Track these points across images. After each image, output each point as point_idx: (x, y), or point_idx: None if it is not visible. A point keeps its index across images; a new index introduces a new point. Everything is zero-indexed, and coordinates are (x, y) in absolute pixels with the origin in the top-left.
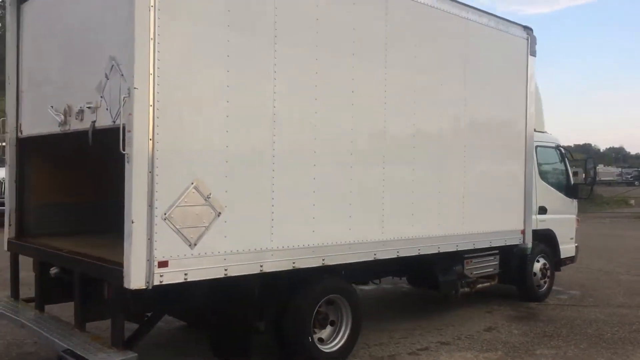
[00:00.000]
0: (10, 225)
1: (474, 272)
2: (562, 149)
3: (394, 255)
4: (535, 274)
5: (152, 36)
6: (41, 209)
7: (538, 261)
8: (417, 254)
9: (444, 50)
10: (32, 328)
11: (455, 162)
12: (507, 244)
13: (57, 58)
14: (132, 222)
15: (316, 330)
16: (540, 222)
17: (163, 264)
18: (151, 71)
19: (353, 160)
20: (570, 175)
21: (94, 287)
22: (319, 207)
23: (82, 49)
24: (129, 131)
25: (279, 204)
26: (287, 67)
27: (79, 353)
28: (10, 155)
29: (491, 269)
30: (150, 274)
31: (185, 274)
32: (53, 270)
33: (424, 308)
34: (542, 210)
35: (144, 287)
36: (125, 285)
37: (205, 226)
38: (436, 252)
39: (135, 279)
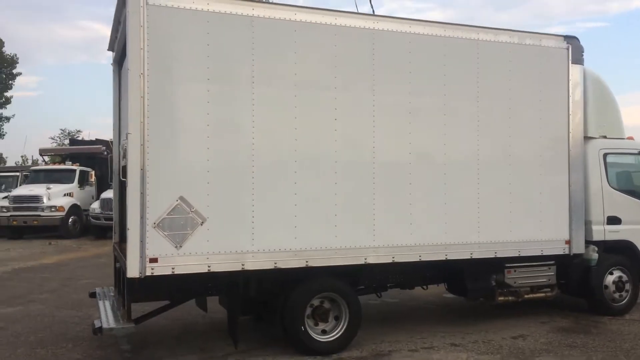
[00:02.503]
0: (115, 232)
1: (519, 282)
2: None
3: (388, 261)
4: (606, 287)
5: (142, 95)
6: None
7: (612, 273)
8: (419, 259)
9: (449, 73)
10: (99, 307)
11: (467, 175)
12: (545, 254)
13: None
14: (128, 229)
15: (319, 323)
16: (610, 232)
17: (153, 260)
18: (142, 120)
19: (336, 178)
20: None
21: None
22: (300, 217)
23: None
24: (125, 164)
25: (259, 215)
26: (264, 106)
27: (98, 322)
28: (114, 181)
29: (544, 280)
30: (143, 267)
31: (173, 268)
32: (117, 265)
33: (469, 315)
34: (614, 220)
35: (138, 277)
36: (127, 275)
37: (189, 232)
38: (443, 258)
39: (131, 270)
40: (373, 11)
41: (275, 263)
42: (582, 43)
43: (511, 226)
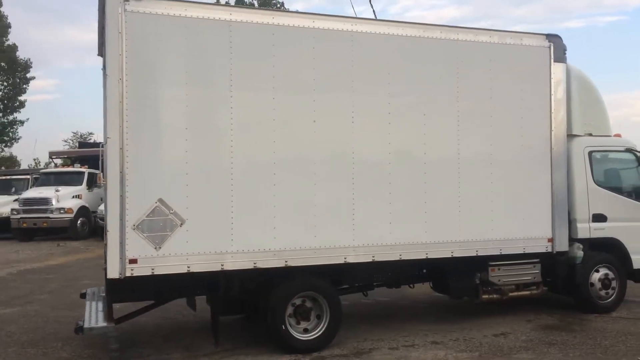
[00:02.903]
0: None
1: (503, 280)
2: (637, 152)
3: (368, 260)
4: (592, 284)
5: (120, 99)
6: None
7: (598, 271)
8: (399, 258)
9: (428, 74)
10: (86, 307)
11: (448, 174)
12: (527, 252)
13: None
14: (107, 231)
15: (301, 321)
16: (596, 230)
17: (133, 261)
18: (121, 124)
19: (315, 179)
20: None
21: None
22: (279, 218)
23: None
24: (105, 167)
25: (238, 217)
26: (242, 109)
27: (80, 322)
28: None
29: (529, 278)
30: (122, 268)
31: (152, 269)
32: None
33: (456, 313)
34: (600, 217)
35: (118, 277)
36: (107, 276)
37: (168, 234)
38: (424, 257)
39: (111, 271)
40: (374, 12)
41: (254, 263)
42: (601, 37)
43: (492, 225)
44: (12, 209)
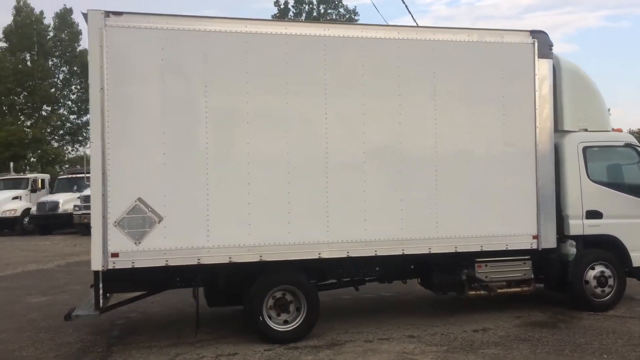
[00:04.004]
0: None
1: (491, 276)
2: (638, 147)
3: (343, 255)
4: (587, 282)
5: (102, 107)
6: None
7: (593, 268)
8: (374, 254)
9: (403, 74)
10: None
11: (425, 173)
12: (510, 249)
13: None
14: (91, 227)
15: (281, 313)
16: (590, 227)
17: (115, 255)
18: (102, 130)
19: (289, 178)
20: None
21: None
22: (254, 214)
23: None
24: (89, 170)
25: (214, 214)
26: (217, 113)
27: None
28: None
29: (519, 274)
30: (105, 261)
31: (133, 262)
32: None
33: (449, 308)
34: (595, 214)
35: (101, 269)
36: (91, 268)
37: (148, 230)
38: (400, 253)
39: (94, 264)
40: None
41: (230, 258)
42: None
43: (472, 221)
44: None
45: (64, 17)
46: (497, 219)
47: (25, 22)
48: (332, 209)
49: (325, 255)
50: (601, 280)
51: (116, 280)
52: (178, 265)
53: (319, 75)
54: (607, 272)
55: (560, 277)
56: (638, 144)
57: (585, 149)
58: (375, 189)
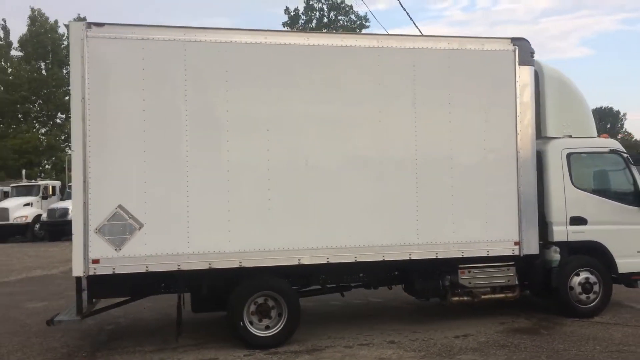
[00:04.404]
0: None
1: (474, 282)
2: (624, 154)
3: (323, 262)
4: (572, 288)
5: (83, 117)
6: None
7: (578, 275)
8: (354, 260)
9: (383, 82)
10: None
11: (405, 179)
12: (492, 255)
13: None
14: (73, 234)
15: (263, 319)
16: (574, 233)
17: (96, 261)
18: (84, 139)
19: (269, 185)
20: (638, 180)
21: None
22: (234, 221)
23: None
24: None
25: (194, 221)
26: (196, 121)
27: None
28: None
29: (503, 280)
30: (86, 267)
31: (114, 269)
32: None
33: (437, 314)
34: (579, 220)
35: (82, 275)
36: (73, 274)
37: (128, 237)
38: (380, 259)
39: (76, 270)
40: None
41: (209, 264)
42: None
43: (454, 227)
44: None
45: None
46: (479, 225)
47: (40, 31)
48: (312, 216)
49: (305, 262)
50: (586, 286)
51: (101, 286)
52: (159, 271)
53: (299, 83)
54: (592, 279)
55: (544, 283)
56: (624, 150)
57: (569, 156)
58: (355, 196)
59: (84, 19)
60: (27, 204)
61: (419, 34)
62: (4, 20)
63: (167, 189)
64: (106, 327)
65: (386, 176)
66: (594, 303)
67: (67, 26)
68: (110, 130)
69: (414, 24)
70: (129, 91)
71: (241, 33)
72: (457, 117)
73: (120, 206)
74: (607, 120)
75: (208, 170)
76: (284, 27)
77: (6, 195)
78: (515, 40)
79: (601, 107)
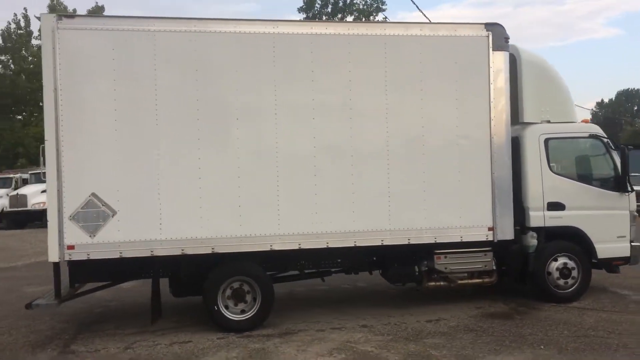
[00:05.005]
0: None
1: (450, 268)
2: (604, 138)
3: (294, 247)
4: (550, 273)
5: (55, 106)
6: None
7: (556, 260)
8: (326, 246)
9: (354, 70)
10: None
11: (377, 166)
12: (465, 240)
13: None
14: (48, 221)
15: (238, 303)
16: (552, 219)
17: (71, 247)
18: (56, 129)
19: (239, 172)
20: (618, 165)
21: None
22: (205, 208)
23: None
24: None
25: (166, 209)
26: (167, 111)
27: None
28: None
29: (480, 266)
30: (62, 253)
31: (88, 254)
32: None
33: (417, 299)
34: (556, 206)
35: (58, 261)
36: (48, 259)
37: (102, 224)
38: (352, 245)
39: (52, 256)
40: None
41: (182, 250)
42: None
43: (426, 213)
44: None
45: (96, 14)
46: (452, 211)
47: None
48: (283, 203)
49: (277, 247)
50: (564, 271)
51: (80, 270)
52: (137, 257)
53: (268, 71)
54: (571, 264)
55: (522, 269)
56: (604, 135)
57: (547, 141)
58: (326, 182)
59: (102, 8)
60: (44, 191)
61: (391, 21)
62: (25, 9)
63: (140, 177)
64: (95, 311)
65: (357, 163)
66: (572, 288)
67: (38, 18)
68: (83, 120)
69: (419, 10)
70: (100, 82)
71: (210, 22)
72: (429, 104)
73: (93, 194)
74: (634, 102)
75: (179, 158)
76: (299, 12)
77: (25, 182)
78: (489, 26)
79: (627, 89)
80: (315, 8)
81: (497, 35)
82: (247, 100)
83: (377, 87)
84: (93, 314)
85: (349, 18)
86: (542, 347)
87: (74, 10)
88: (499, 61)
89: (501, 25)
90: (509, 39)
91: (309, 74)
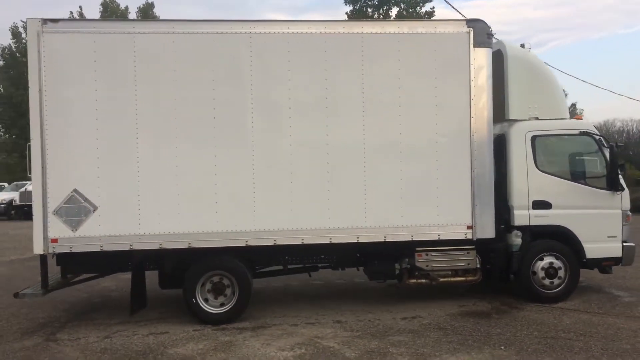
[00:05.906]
0: None
1: (432, 265)
2: (596, 136)
3: (270, 243)
4: (535, 273)
5: (40, 107)
6: None
7: (542, 259)
8: (301, 242)
9: (330, 68)
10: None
11: (352, 163)
12: (443, 239)
13: None
14: (33, 215)
15: (218, 297)
16: (537, 217)
17: (54, 240)
18: (41, 128)
19: (216, 170)
20: (611, 163)
21: None
22: (182, 204)
23: None
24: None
25: (145, 204)
26: (147, 110)
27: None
28: None
29: (463, 264)
30: (46, 246)
31: (70, 247)
32: None
33: (402, 297)
34: (542, 204)
35: (42, 253)
36: (34, 252)
37: (83, 218)
38: (327, 242)
39: (37, 248)
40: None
41: (160, 244)
42: None
43: (402, 211)
44: None
45: (146, 11)
46: (430, 209)
47: (112, 18)
48: (259, 199)
49: (253, 243)
50: (550, 271)
51: (68, 262)
52: (112, 251)
53: (244, 71)
54: (557, 264)
55: (505, 268)
56: (596, 132)
57: (534, 138)
58: (301, 180)
59: (152, 5)
60: None
61: (367, 19)
62: (80, 7)
63: (119, 174)
64: (94, 300)
65: (333, 161)
66: (558, 288)
67: (24, 22)
68: (66, 119)
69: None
70: (82, 83)
71: (185, 24)
72: (407, 102)
73: (75, 190)
74: None
75: (158, 157)
76: (345, 4)
77: None
78: (470, 22)
79: None
80: (362, 1)
81: (479, 31)
82: (221, 98)
83: (354, 84)
84: (91, 304)
85: (394, 10)
86: (502, 347)
87: (126, 8)
88: (481, 58)
89: (483, 21)
90: (492, 35)
91: (285, 73)
